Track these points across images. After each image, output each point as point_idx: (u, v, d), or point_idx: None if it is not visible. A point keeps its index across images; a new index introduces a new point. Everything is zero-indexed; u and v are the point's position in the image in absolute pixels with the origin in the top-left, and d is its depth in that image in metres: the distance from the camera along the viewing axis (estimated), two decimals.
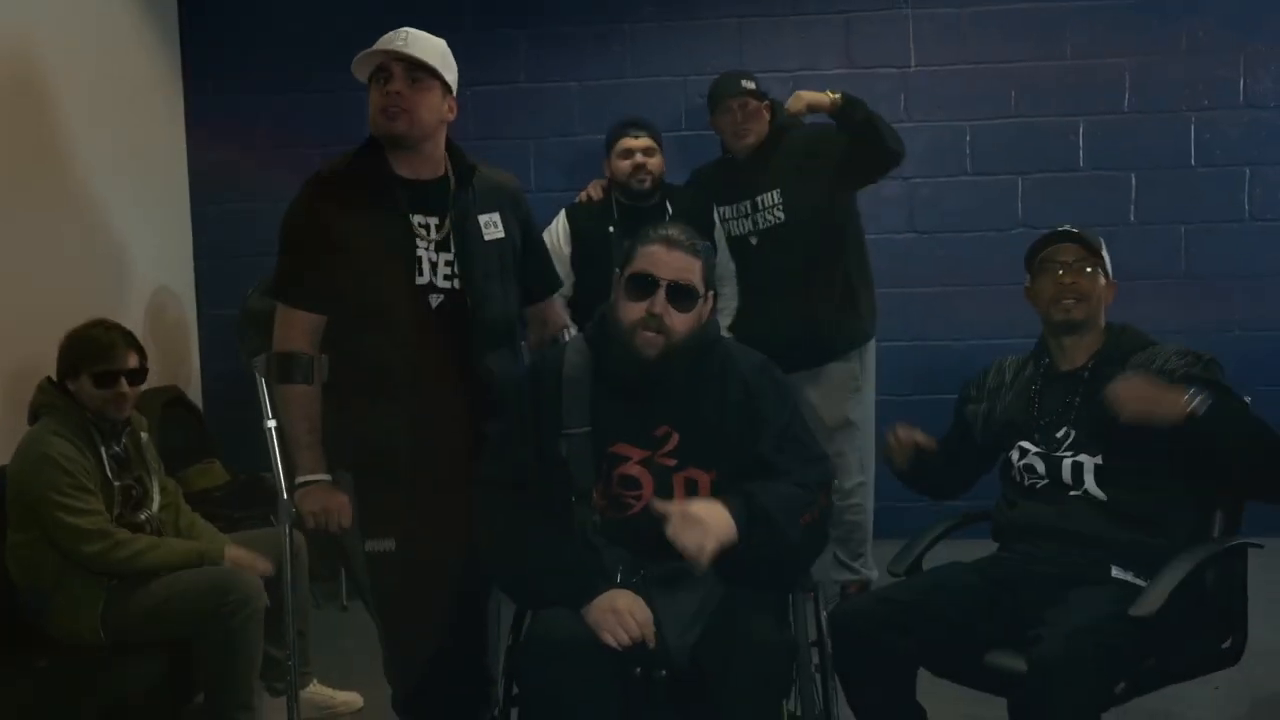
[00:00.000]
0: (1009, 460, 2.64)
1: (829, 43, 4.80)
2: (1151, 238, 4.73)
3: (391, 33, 2.60)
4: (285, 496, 2.59)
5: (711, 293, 2.42)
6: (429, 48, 2.58)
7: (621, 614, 2.13)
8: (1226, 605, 2.46)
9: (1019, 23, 4.73)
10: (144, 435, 3.22)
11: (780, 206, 3.85)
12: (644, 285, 2.32)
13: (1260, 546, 2.50)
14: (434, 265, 2.56)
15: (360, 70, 2.60)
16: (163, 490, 3.21)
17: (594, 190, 4.04)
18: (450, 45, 4.59)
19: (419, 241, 2.56)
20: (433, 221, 2.58)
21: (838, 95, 3.70)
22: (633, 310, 2.32)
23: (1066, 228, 2.68)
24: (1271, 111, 4.68)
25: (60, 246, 3.90)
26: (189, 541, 3.11)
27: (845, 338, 3.92)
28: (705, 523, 2.14)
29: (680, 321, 2.32)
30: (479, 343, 2.61)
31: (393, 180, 2.58)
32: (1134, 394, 2.33)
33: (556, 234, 3.92)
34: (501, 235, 2.67)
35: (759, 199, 3.88)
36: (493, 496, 2.36)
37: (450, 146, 2.68)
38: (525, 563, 2.30)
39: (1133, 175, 4.75)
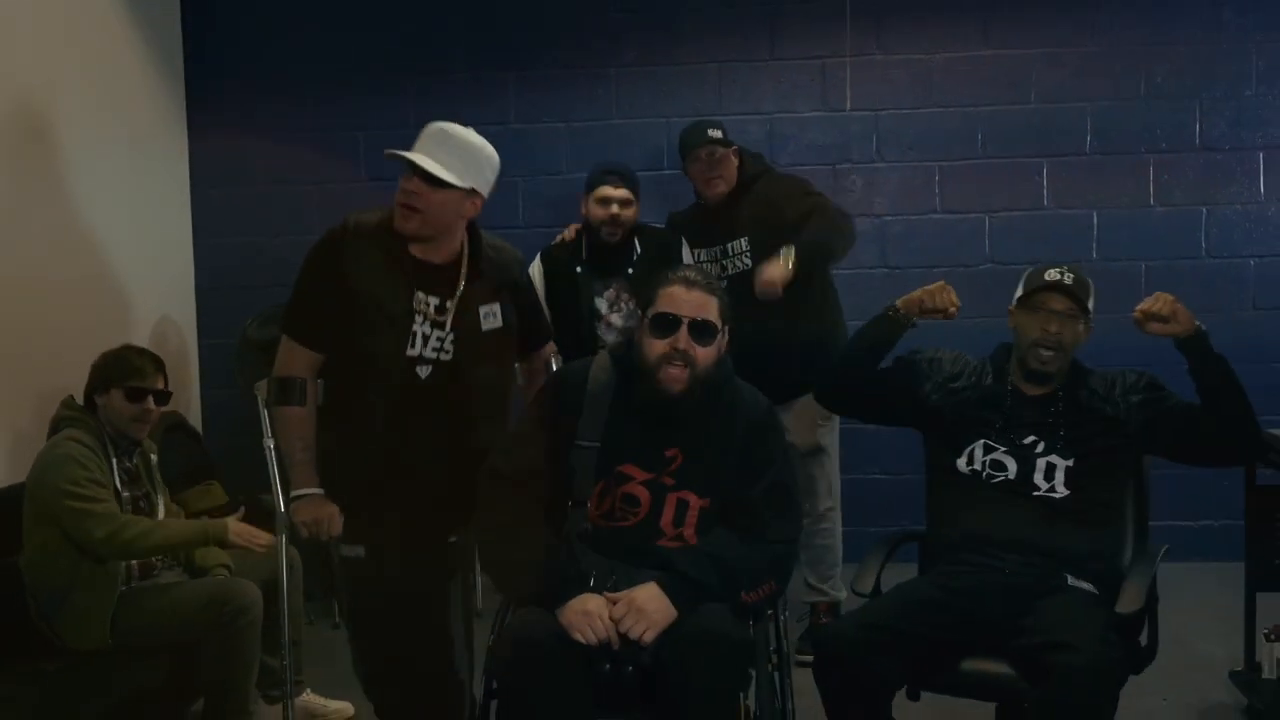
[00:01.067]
0: (960, 461, 2.77)
1: (805, 87, 5.00)
2: (1113, 274, 4.89)
3: (433, 128, 2.73)
4: (282, 509, 2.77)
5: (729, 327, 2.61)
6: (458, 153, 2.69)
7: (591, 616, 2.32)
8: (1144, 608, 2.61)
9: (986, 69, 4.94)
10: (153, 457, 3.42)
11: (747, 254, 3.99)
12: (667, 324, 2.51)
13: (1168, 548, 2.75)
14: (426, 339, 2.74)
15: (392, 158, 2.73)
16: (167, 510, 3.39)
17: (569, 233, 4.20)
18: (442, 86, 4.83)
19: (417, 317, 2.73)
20: (434, 301, 2.75)
21: (791, 265, 3.73)
22: (658, 347, 2.51)
23: (1064, 277, 2.78)
24: (1226, 154, 4.88)
25: (67, 278, 4.08)
26: (191, 520, 3.29)
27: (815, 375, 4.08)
28: (647, 613, 2.33)
29: (703, 355, 2.52)
30: (470, 416, 2.79)
31: (405, 257, 2.73)
32: (1169, 301, 2.67)
33: (532, 275, 4.07)
34: (499, 325, 2.84)
35: (729, 245, 4.03)
36: (497, 489, 2.54)
37: (470, 231, 2.81)
38: (512, 557, 2.49)
39: (1095, 214, 4.94)
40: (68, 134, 4.12)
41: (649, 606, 2.34)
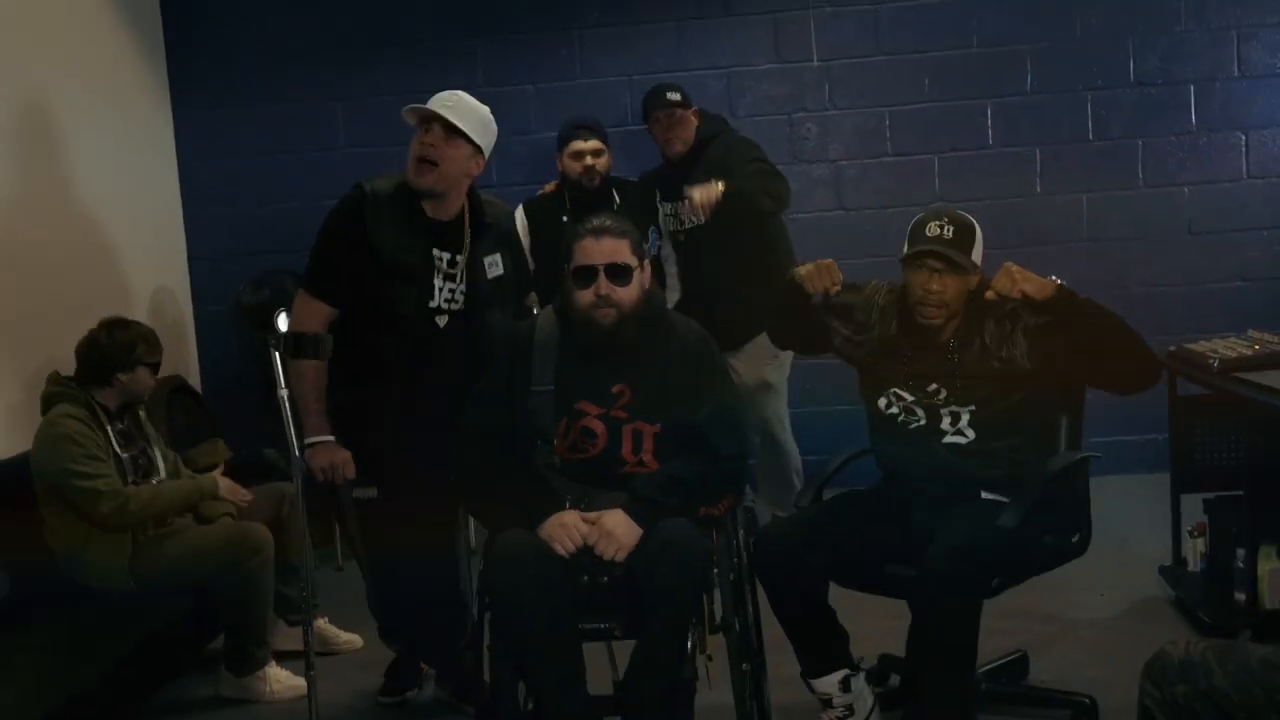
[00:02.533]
0: (879, 402, 2.98)
1: (760, 41, 5.23)
2: (1055, 206, 5.19)
3: (445, 93, 3.05)
4: (297, 454, 3.02)
5: (646, 261, 2.87)
6: (468, 113, 3.01)
7: (568, 528, 2.62)
8: (1073, 509, 2.92)
9: (930, 16, 5.17)
10: (141, 412, 3.65)
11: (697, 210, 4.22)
12: (586, 274, 2.77)
13: (1099, 456, 2.96)
14: (440, 291, 3.07)
15: (410, 117, 3.03)
16: (164, 458, 3.64)
17: (550, 187, 4.49)
18: (412, 55, 5.05)
19: (435, 271, 3.06)
20: (446, 255, 3.07)
21: (718, 191, 4.04)
22: (583, 297, 2.77)
23: (944, 231, 2.82)
24: (1159, 89, 5.14)
25: (66, 255, 4.30)
26: (183, 481, 3.56)
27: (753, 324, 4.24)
28: (616, 536, 2.61)
29: (624, 294, 2.77)
30: (478, 358, 3.06)
31: (420, 217, 3.04)
32: (1011, 279, 2.72)
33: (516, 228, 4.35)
34: (501, 272, 3.20)
35: (684, 201, 4.27)
36: (469, 441, 2.83)
37: (471, 194, 3.14)
38: (492, 493, 2.79)
39: (1037, 150, 5.20)
40: (57, 113, 4.31)
41: (618, 530, 2.62)
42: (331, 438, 3.09)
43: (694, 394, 2.80)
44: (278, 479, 4.05)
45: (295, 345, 2.91)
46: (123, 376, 3.46)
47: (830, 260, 3.01)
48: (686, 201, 4.11)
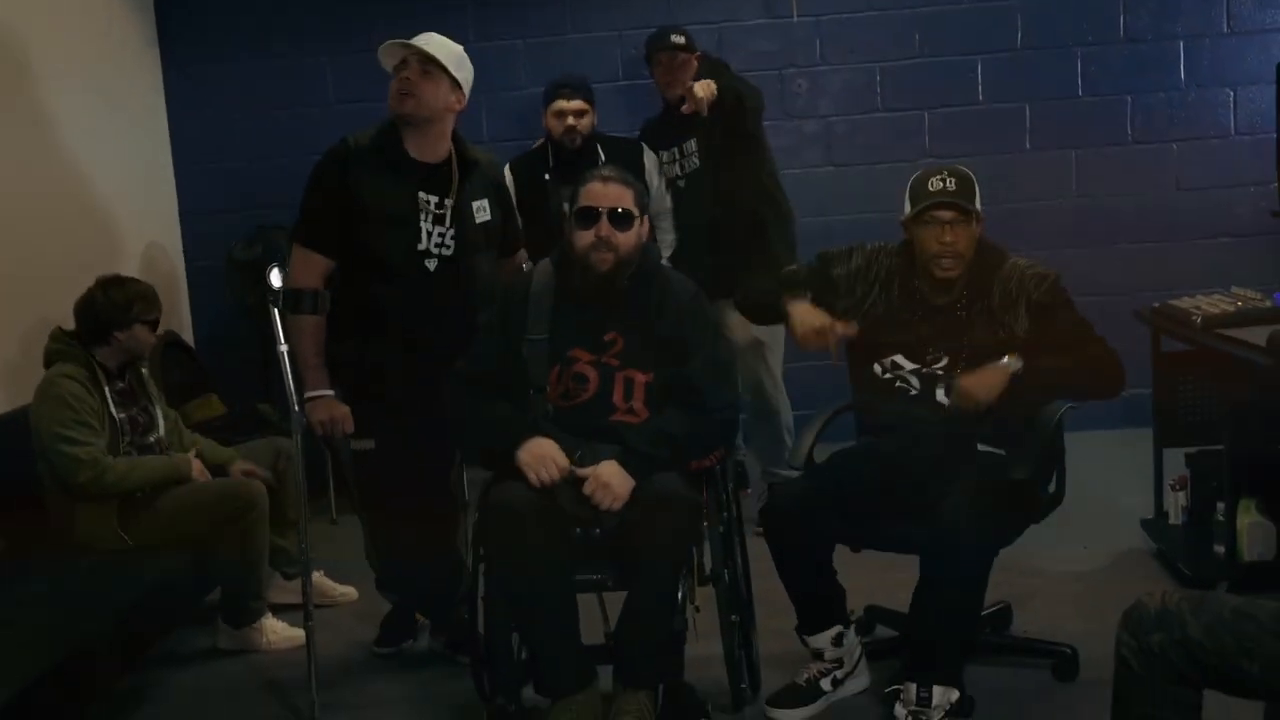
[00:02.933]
0: (875, 366, 2.98)
1: None
2: (1045, 163, 5.22)
3: (420, 35, 3.11)
4: (296, 409, 3.06)
5: (646, 216, 2.91)
6: (442, 48, 3.07)
7: (545, 459, 2.67)
8: (1051, 459, 2.94)
9: None
10: (144, 371, 3.67)
11: (696, 154, 4.34)
12: (589, 216, 2.82)
13: (1075, 407, 2.99)
14: (430, 235, 3.10)
15: (385, 60, 3.09)
16: (165, 416, 3.67)
17: (539, 145, 4.48)
18: (402, 10, 5.06)
19: (422, 215, 3.08)
20: (434, 199, 3.10)
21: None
22: (584, 237, 2.82)
23: (948, 183, 2.83)
24: (1149, 45, 5.15)
25: (57, 211, 4.29)
26: (161, 458, 3.52)
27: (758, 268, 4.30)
28: (612, 487, 2.66)
29: (623, 240, 2.82)
30: (471, 302, 3.14)
31: (406, 159, 3.07)
32: (971, 398, 2.75)
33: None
34: (489, 218, 3.22)
35: (684, 145, 4.36)
36: (461, 385, 2.89)
37: (456, 138, 3.17)
38: (479, 429, 2.86)
39: (1027, 106, 5.22)
40: (48, 70, 4.29)
41: (613, 481, 2.67)
42: (331, 392, 3.12)
43: (685, 346, 2.85)
44: (272, 433, 4.09)
45: (294, 301, 2.95)
46: (120, 335, 3.46)
47: (830, 323, 2.93)
48: (687, 95, 4.15)
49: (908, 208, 2.93)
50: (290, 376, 2.81)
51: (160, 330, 3.77)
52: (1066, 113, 5.21)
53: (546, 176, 4.30)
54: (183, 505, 3.43)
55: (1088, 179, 5.24)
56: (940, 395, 2.90)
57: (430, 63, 3.04)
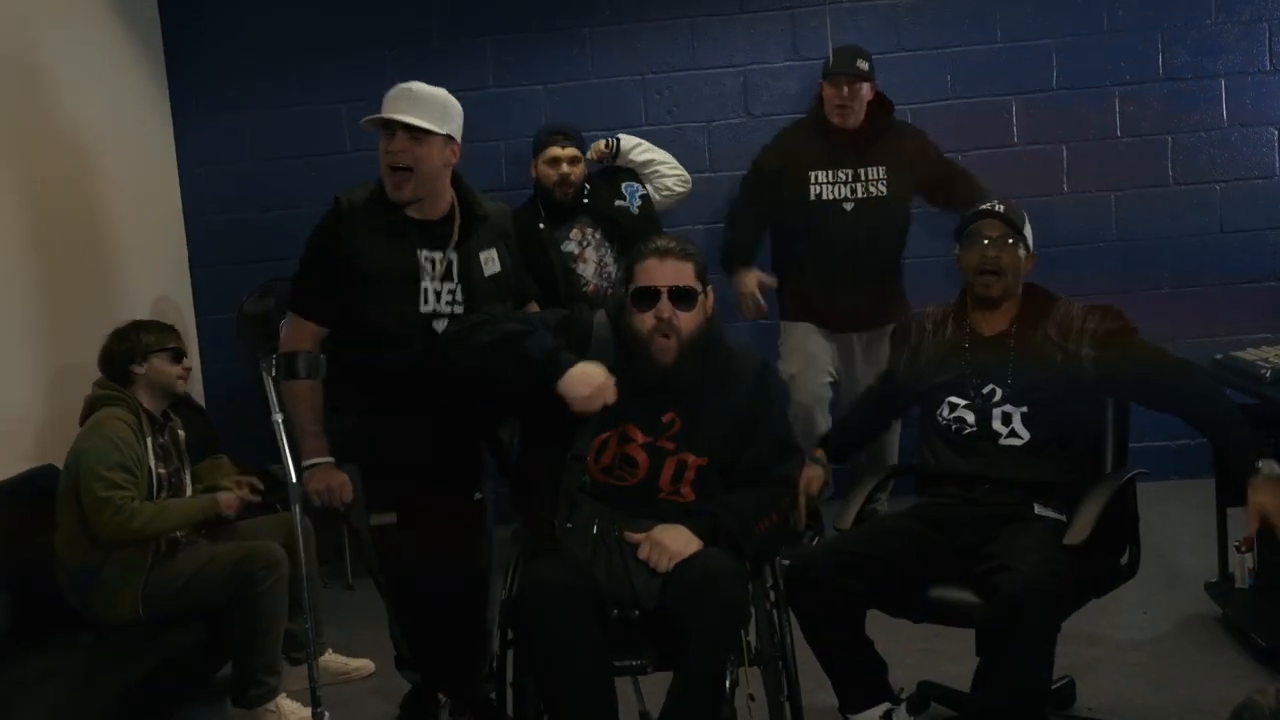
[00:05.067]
0: (937, 415, 2.90)
1: (776, 37, 5.07)
2: (1084, 205, 5.04)
3: (395, 90, 2.89)
4: (295, 480, 2.89)
5: (710, 287, 2.70)
6: (426, 106, 2.86)
7: (603, 389, 2.52)
8: (1122, 527, 2.78)
9: (952, 11, 5.01)
10: (181, 433, 3.56)
11: (884, 181, 4.32)
12: (648, 296, 2.61)
13: (1147, 473, 2.84)
14: (438, 294, 2.93)
15: (370, 127, 2.90)
16: (192, 481, 3.54)
17: None
18: (419, 56, 4.93)
19: (424, 275, 2.91)
20: (437, 256, 2.93)
21: None
22: (644, 320, 2.61)
23: (992, 205, 2.95)
24: (1188, 83, 4.98)
25: (65, 264, 4.14)
26: (188, 499, 3.42)
27: (902, 300, 4.44)
28: (666, 544, 2.49)
29: (687, 321, 2.61)
30: None
31: (404, 219, 2.90)
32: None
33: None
34: (498, 270, 3.03)
35: (864, 170, 4.31)
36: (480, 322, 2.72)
37: (458, 185, 2.98)
38: (496, 335, 2.64)
39: (1064, 148, 5.04)
40: (61, 127, 4.19)
41: (666, 538, 2.49)
42: (330, 459, 2.95)
43: (747, 428, 2.66)
44: (284, 495, 3.90)
45: (287, 366, 2.79)
46: (138, 369, 3.40)
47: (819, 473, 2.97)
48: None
49: (959, 240, 2.94)
50: (287, 448, 2.64)
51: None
52: (1105, 154, 5.03)
53: (541, 226, 4.19)
54: (198, 569, 3.27)
55: (1128, 222, 5.06)
56: (997, 423, 2.79)
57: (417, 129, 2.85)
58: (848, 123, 4.31)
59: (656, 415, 2.63)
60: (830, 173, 4.35)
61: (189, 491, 3.48)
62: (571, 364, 2.53)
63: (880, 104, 4.42)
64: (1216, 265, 5.04)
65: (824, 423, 4.36)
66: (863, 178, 4.33)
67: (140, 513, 3.21)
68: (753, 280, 4.50)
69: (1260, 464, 2.58)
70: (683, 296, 2.61)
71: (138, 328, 3.48)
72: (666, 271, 2.61)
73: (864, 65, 4.30)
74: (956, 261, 2.97)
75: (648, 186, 4.42)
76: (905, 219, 4.47)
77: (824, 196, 4.36)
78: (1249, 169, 5.01)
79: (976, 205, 4.06)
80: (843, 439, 3.26)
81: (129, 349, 3.41)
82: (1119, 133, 5.03)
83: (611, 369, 2.60)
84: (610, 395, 2.50)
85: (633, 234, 4.02)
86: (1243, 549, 3.56)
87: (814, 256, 4.42)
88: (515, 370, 2.57)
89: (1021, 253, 2.87)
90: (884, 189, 4.35)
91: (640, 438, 2.62)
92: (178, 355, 3.49)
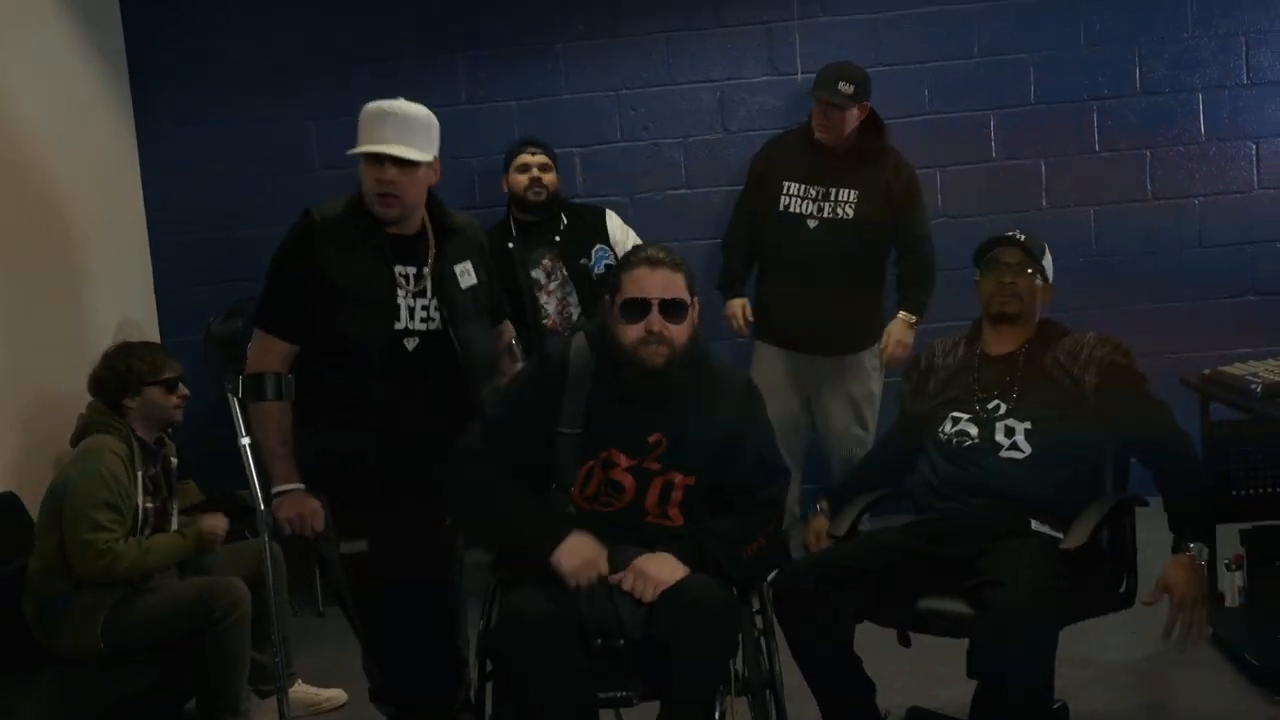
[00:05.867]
0: (939, 431, 2.86)
1: (753, 52, 5.01)
2: (1063, 219, 5.00)
3: (378, 113, 2.80)
4: (263, 508, 2.79)
5: (697, 298, 2.62)
6: (414, 130, 2.80)
7: (589, 564, 2.41)
8: (1120, 556, 2.74)
9: (930, 25, 4.97)
10: (174, 460, 3.47)
11: (852, 204, 4.19)
12: (638, 308, 2.51)
13: (1146, 504, 2.79)
14: (411, 311, 2.83)
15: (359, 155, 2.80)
16: (184, 506, 3.47)
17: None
18: (391, 72, 4.85)
19: (399, 291, 2.82)
20: (411, 271, 2.84)
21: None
22: (632, 332, 2.51)
23: (1013, 234, 2.95)
24: (1166, 97, 4.95)
25: (30, 285, 4.03)
26: (171, 535, 3.31)
27: (880, 325, 4.35)
28: (649, 574, 2.40)
29: (678, 333, 2.53)
30: (469, 378, 2.87)
31: (379, 234, 2.82)
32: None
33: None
34: (474, 281, 2.95)
35: (834, 190, 4.20)
36: (465, 459, 2.58)
37: (432, 201, 2.92)
38: (493, 507, 2.54)
39: (1042, 163, 5.00)
40: (20, 143, 4.08)
41: (650, 568, 2.40)
42: (301, 486, 2.84)
43: (733, 446, 2.58)
44: (252, 521, 3.79)
45: (255, 387, 2.70)
46: (130, 402, 3.31)
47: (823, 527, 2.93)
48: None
49: (979, 264, 2.96)
50: (254, 473, 2.54)
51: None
52: (1083, 168, 5.00)
53: (510, 245, 4.13)
54: (160, 604, 3.17)
55: (1107, 237, 5.02)
56: (1000, 435, 2.77)
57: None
58: (831, 143, 4.24)
59: (643, 436, 2.54)
60: (802, 186, 4.25)
61: (174, 523, 3.38)
62: (563, 538, 2.44)
63: (873, 126, 4.31)
64: (1196, 279, 5.01)
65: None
66: (831, 197, 4.22)
67: (123, 557, 3.12)
68: (738, 306, 4.42)
69: (1192, 545, 2.60)
70: (673, 308, 2.53)
71: (128, 353, 3.36)
72: (658, 282, 2.52)
73: (847, 89, 4.17)
74: (976, 287, 2.98)
75: (616, 256, 4.30)
76: (877, 246, 4.31)
77: (791, 209, 4.26)
78: (1227, 183, 4.99)
79: (911, 286, 4.26)
80: (845, 495, 3.07)
81: (121, 380, 3.30)
82: (1097, 147, 5.00)
83: (592, 391, 2.53)
84: (602, 567, 2.42)
85: (594, 296, 4.00)
86: (1232, 566, 3.52)
87: (776, 270, 4.36)
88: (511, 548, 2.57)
89: (1039, 282, 2.90)
90: (850, 212, 4.20)
91: (625, 461, 2.53)
92: (172, 384, 3.36)
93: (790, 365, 4.34)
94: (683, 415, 2.56)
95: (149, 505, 3.26)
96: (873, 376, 4.38)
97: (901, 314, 4.28)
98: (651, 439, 2.54)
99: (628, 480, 2.53)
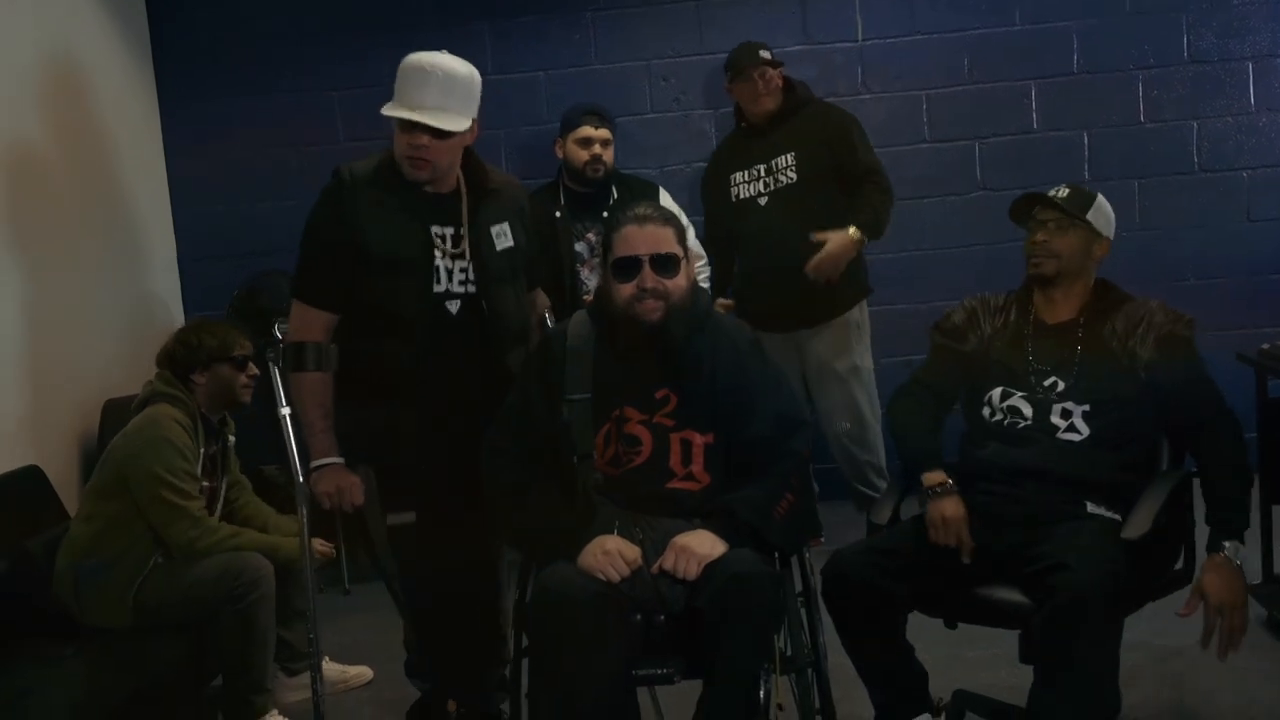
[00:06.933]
0: (984, 401, 2.72)
1: (786, 21, 4.90)
2: (1106, 193, 4.73)
3: (419, 71, 2.66)
4: (301, 480, 2.71)
5: (691, 251, 2.57)
6: (454, 94, 2.66)
7: (612, 555, 2.30)
8: (1179, 530, 2.60)
9: None
10: (232, 438, 3.40)
11: (793, 168, 4.09)
12: (629, 266, 2.47)
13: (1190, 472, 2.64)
14: (449, 273, 2.72)
15: (392, 116, 2.68)
16: (232, 486, 3.39)
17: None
18: (414, 44, 4.71)
19: (436, 251, 2.70)
20: (449, 231, 2.73)
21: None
22: (625, 290, 2.47)
23: (1058, 191, 2.81)
24: (1214, 66, 4.82)
25: (47, 260, 3.95)
26: (266, 535, 3.25)
27: (854, 291, 4.20)
28: (692, 550, 2.30)
29: (673, 286, 2.48)
30: (498, 344, 2.76)
31: (412, 195, 2.71)
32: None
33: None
34: (511, 244, 2.83)
35: (773, 161, 4.12)
36: (499, 460, 2.52)
37: (468, 157, 2.79)
38: (528, 521, 2.47)
39: (1085, 134, 4.87)
40: (45, 121, 4.01)
41: (697, 546, 2.31)
42: (339, 459, 2.75)
43: (748, 399, 2.49)
44: (278, 498, 3.72)
45: (296, 356, 2.62)
46: (199, 378, 3.24)
47: (960, 516, 2.59)
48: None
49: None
50: (293, 444, 2.45)
51: None
52: (1128, 140, 4.87)
53: (557, 214, 3.98)
54: (184, 580, 3.08)
55: (1152, 210, 4.89)
56: (1056, 417, 2.63)
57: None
58: (771, 107, 4.16)
59: (649, 392, 2.49)
60: (745, 171, 4.20)
61: (220, 505, 3.31)
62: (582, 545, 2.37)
63: (789, 88, 4.23)
64: (1243, 255, 4.88)
65: None
66: (773, 169, 4.15)
67: (214, 532, 3.08)
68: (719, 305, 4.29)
69: (1227, 544, 2.44)
70: (665, 263, 2.48)
71: (201, 329, 3.31)
72: (646, 238, 2.49)
73: (766, 54, 4.18)
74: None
75: None
76: (832, 199, 4.10)
77: (741, 195, 4.21)
78: (1277, 155, 4.84)
79: (863, 210, 4.05)
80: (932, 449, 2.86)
81: (192, 354, 3.24)
82: (1142, 118, 4.87)
83: (596, 357, 2.50)
84: (631, 553, 2.33)
85: None
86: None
87: (746, 258, 4.27)
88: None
89: (1082, 236, 2.73)
90: (793, 175, 4.11)
91: (637, 415, 2.48)
92: (242, 362, 3.30)
93: (775, 345, 4.09)
94: (689, 372, 2.50)
95: (205, 484, 3.20)
96: (855, 349, 4.23)
97: (851, 229, 4.02)
98: (659, 395, 2.48)
99: (643, 433, 2.46)
